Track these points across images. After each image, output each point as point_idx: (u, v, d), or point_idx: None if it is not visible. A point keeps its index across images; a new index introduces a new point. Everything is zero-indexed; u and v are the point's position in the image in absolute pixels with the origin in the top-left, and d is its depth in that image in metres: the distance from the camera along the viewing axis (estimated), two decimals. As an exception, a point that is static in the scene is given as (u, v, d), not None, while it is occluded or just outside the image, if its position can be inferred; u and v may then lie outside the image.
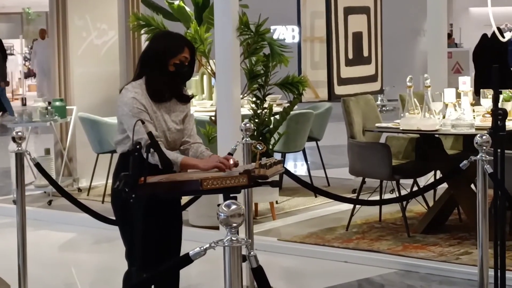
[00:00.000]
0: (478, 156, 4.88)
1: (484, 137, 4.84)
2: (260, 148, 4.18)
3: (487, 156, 4.87)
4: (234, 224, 2.84)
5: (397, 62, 17.59)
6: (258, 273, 2.93)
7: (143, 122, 4.06)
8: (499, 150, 4.76)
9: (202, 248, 2.90)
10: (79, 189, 9.31)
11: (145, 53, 4.38)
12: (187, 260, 2.91)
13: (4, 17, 30.82)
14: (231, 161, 4.16)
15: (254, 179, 3.95)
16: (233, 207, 2.86)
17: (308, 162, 9.29)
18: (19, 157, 5.43)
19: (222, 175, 3.92)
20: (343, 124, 7.72)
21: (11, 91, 25.27)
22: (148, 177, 3.86)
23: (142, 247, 3.98)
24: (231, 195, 3.92)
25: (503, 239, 4.89)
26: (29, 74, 26.42)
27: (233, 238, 2.85)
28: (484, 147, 4.85)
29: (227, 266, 2.83)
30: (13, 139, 5.40)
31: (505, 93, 6.96)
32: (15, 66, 24.85)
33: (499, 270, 4.87)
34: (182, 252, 4.49)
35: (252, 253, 2.92)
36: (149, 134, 3.99)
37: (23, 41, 25.03)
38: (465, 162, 5.02)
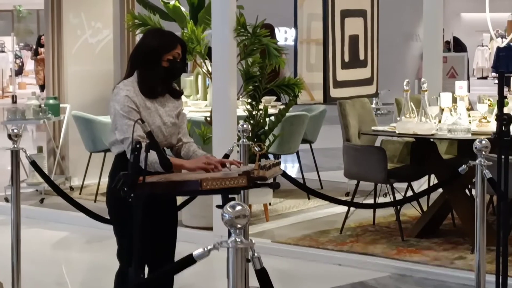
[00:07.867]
0: (477, 161, 4.88)
1: (483, 142, 4.83)
2: (259, 149, 4.16)
3: (486, 161, 4.86)
4: (239, 225, 2.81)
5: (390, 66, 17.60)
6: (262, 275, 2.90)
7: (142, 121, 4.03)
8: (503, 156, 4.74)
9: (206, 249, 2.87)
10: (71, 188, 9.26)
11: (137, 50, 4.35)
12: (191, 261, 2.88)
13: (-5, 14, 30.73)
14: (228, 164, 4.15)
15: (253, 181, 3.93)
16: (238, 208, 2.82)
17: (301, 165, 9.26)
18: (15, 154, 5.39)
19: (222, 176, 3.89)
20: (336, 127, 7.70)
21: (1, 88, 25.17)
22: (147, 177, 3.84)
23: (139, 247, 3.96)
24: (229, 196, 3.90)
25: (506, 244, 4.87)
26: (20, 71, 26.27)
27: (237, 239, 2.82)
28: (483, 152, 4.84)
29: (231, 268, 2.79)
30: (9, 136, 5.36)
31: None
32: (6, 63, 24.69)
33: (500, 276, 4.86)
34: (175, 253, 4.47)
35: (256, 254, 2.89)
36: (148, 133, 3.96)
37: (14, 38, 24.92)
38: (464, 167, 5.01)
